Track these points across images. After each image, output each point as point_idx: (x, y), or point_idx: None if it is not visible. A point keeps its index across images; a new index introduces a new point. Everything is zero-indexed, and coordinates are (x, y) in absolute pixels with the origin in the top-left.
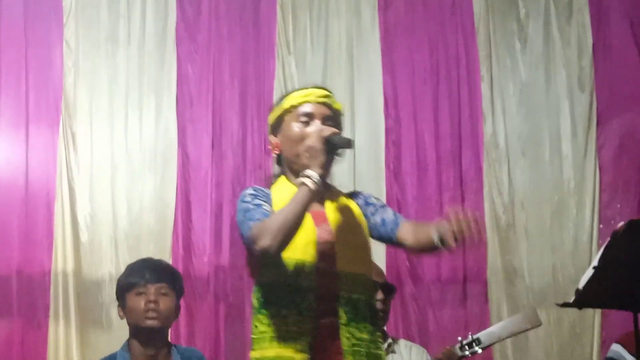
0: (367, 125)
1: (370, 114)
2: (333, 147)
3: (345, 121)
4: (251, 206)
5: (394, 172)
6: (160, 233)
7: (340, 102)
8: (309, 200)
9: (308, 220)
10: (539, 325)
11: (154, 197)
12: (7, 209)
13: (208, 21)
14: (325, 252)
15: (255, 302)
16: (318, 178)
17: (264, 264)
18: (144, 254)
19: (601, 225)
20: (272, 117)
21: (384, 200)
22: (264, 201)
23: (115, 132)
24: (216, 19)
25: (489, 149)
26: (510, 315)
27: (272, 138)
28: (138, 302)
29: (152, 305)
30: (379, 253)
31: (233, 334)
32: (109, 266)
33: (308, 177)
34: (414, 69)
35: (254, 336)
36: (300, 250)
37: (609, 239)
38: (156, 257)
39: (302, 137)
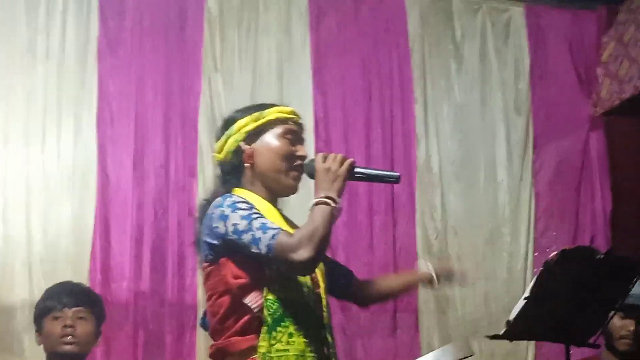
0: None
1: None
2: (356, 177)
3: None
4: (255, 215)
5: None
6: (78, 257)
7: None
8: (332, 221)
9: None
10: (471, 356)
11: (72, 220)
12: None
13: (131, 36)
14: (315, 279)
15: (268, 319)
16: (339, 205)
17: (285, 278)
18: (61, 279)
19: (536, 254)
20: (250, 125)
21: None
22: (259, 213)
23: (31, 151)
24: (140, 34)
25: (422, 172)
26: (441, 346)
27: (244, 146)
28: (54, 327)
29: (69, 330)
30: None
31: None
32: (22, 292)
33: (330, 199)
34: (345, 89)
35: (271, 355)
36: None
37: (541, 268)
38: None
39: (291, 154)
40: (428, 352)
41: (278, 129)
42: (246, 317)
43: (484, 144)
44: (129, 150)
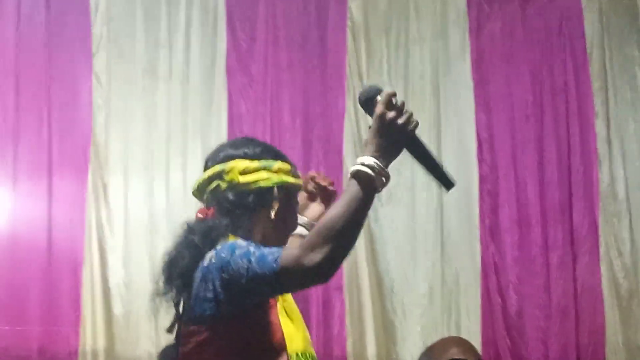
0: (456, 173)
1: (460, 158)
2: (412, 148)
3: None
4: (253, 248)
5: (490, 230)
6: None
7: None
8: (370, 203)
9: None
10: None
11: None
12: (26, 276)
13: (264, 50)
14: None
15: None
16: (388, 174)
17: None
18: None
19: None
20: (284, 176)
21: (478, 263)
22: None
23: (154, 183)
24: (274, 48)
25: (605, 200)
26: None
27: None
28: None
29: None
30: (472, 327)
31: None
32: (147, 344)
33: (376, 168)
34: (513, 104)
35: None
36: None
37: None
38: None
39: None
40: None
41: (297, 190)
42: None
43: None
44: None
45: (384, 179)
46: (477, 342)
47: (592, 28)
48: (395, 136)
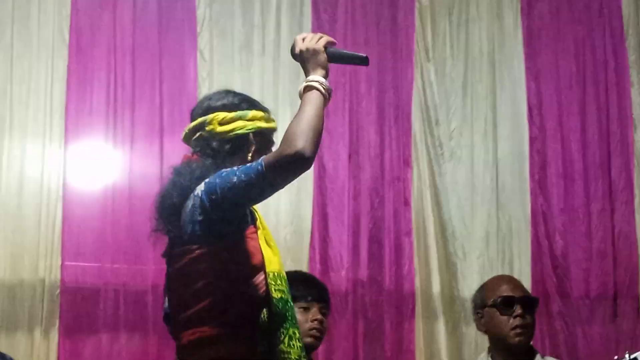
0: (510, 135)
1: (513, 122)
2: (331, 59)
3: (488, 130)
4: (236, 167)
5: (539, 183)
6: (297, 247)
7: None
8: (323, 107)
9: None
10: None
11: (290, 211)
12: (142, 222)
13: (344, 28)
14: None
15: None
16: (327, 84)
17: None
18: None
19: None
20: (263, 123)
21: (528, 212)
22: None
23: None
24: (352, 26)
25: (639, 158)
26: None
27: (252, 138)
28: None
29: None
30: (523, 268)
31: (372, 353)
32: None
33: (317, 82)
34: (559, 75)
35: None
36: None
37: None
38: None
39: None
40: None
41: (272, 137)
42: (239, 308)
43: None
44: (344, 141)
45: (326, 87)
46: (527, 281)
47: (628, 9)
48: (316, 55)
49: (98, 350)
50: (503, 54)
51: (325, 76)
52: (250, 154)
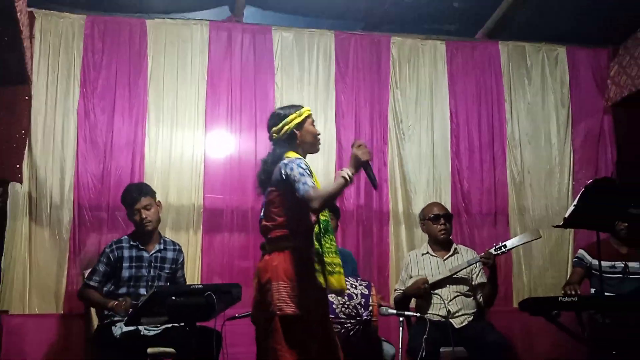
0: (440, 127)
1: (442, 121)
2: (364, 168)
3: (428, 125)
4: (306, 174)
5: (456, 154)
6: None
7: (425, 114)
8: (344, 189)
9: None
10: (539, 238)
11: (325, 167)
12: (247, 187)
13: (353, 70)
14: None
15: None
16: (352, 177)
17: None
18: None
19: (574, 183)
20: (297, 119)
21: (449, 169)
22: (309, 174)
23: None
24: (356, 70)
25: (510, 139)
26: (522, 233)
27: (295, 130)
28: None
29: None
30: (446, 197)
31: (366, 243)
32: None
33: (348, 174)
34: (467, 96)
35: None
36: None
37: (582, 189)
38: None
39: (316, 133)
40: (514, 237)
41: (309, 120)
42: (301, 222)
43: None
44: (352, 131)
45: (350, 179)
46: (448, 204)
47: (504, 56)
48: (358, 161)
49: (222, 243)
50: (437, 85)
51: (355, 173)
52: (297, 141)
